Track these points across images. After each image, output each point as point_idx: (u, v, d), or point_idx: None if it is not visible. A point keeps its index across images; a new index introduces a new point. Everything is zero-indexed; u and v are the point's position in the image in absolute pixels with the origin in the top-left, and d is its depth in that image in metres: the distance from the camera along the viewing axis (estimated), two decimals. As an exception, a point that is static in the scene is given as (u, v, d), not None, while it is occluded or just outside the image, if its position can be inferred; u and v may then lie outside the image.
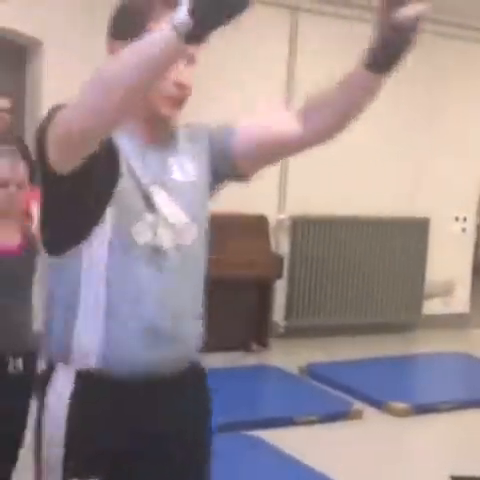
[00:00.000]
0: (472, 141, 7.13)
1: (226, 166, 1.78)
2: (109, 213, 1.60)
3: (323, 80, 1.85)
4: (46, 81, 5.37)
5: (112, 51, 1.62)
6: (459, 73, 6.96)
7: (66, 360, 1.65)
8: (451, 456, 4.27)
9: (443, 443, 4.47)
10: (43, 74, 5.39)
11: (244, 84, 6.07)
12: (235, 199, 5.97)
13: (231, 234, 5.87)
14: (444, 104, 6.93)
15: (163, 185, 1.67)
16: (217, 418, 4.48)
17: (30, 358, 2.67)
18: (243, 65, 6.07)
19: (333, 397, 4.89)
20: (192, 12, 1.30)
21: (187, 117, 1.80)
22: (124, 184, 1.61)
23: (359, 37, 6.62)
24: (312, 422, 4.45)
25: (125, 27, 1.60)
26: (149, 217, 1.65)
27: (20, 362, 2.68)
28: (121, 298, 1.64)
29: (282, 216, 6.31)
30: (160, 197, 1.66)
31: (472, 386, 5.55)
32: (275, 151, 1.80)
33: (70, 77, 5.38)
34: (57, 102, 1.62)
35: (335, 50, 6.45)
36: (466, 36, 6.84)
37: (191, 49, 1.47)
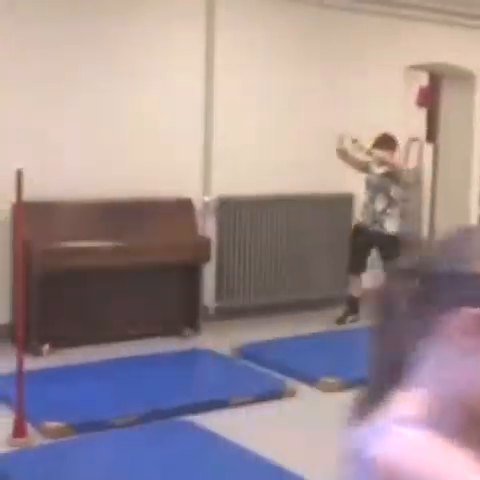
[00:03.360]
0: (389, 117, 7.23)
1: None
2: None
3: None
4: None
5: None
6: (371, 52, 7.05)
7: None
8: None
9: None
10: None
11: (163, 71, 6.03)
12: (159, 183, 5.98)
13: (157, 219, 5.82)
14: (359, 85, 7.01)
15: None
16: (152, 405, 4.48)
17: None
18: (160, 52, 6.01)
19: (266, 377, 4.92)
20: None
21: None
22: None
23: (277, 15, 6.63)
24: (247, 403, 4.47)
25: None
26: None
27: None
28: None
29: (207, 198, 6.28)
30: None
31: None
32: None
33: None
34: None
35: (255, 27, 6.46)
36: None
37: None
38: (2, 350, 5.08)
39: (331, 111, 6.85)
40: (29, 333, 4.83)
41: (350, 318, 6.45)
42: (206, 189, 6.28)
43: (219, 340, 5.75)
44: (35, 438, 3.87)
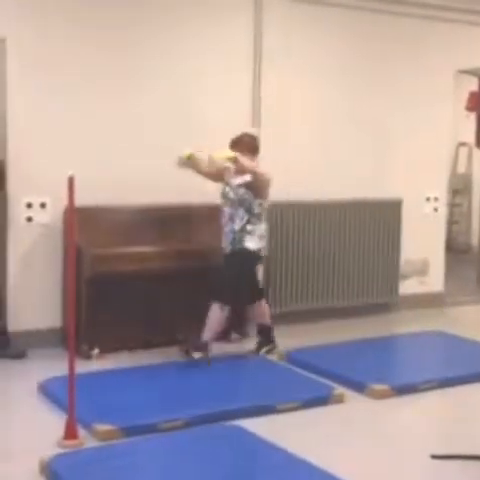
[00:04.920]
0: (439, 122, 7.18)
1: None
2: None
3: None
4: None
5: None
6: (427, 53, 7.00)
7: None
8: (432, 435, 4.31)
9: (424, 423, 4.51)
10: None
11: (210, 74, 6.07)
12: (206, 189, 6.01)
13: (204, 224, 5.86)
14: (408, 90, 6.97)
15: None
16: (199, 410, 4.52)
17: None
18: (208, 55, 6.06)
19: (314, 382, 4.91)
20: None
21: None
22: None
23: (323, 20, 6.64)
24: (294, 409, 4.47)
25: None
26: None
27: None
28: None
29: (256, 203, 6.29)
30: None
31: (451, 364, 5.59)
32: None
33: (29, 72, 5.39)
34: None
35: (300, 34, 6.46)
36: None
37: None
38: (54, 354, 5.17)
39: (380, 115, 6.83)
40: (79, 337, 4.90)
41: (265, 349, 5.57)
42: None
43: (266, 345, 5.76)
44: (86, 440, 3.92)
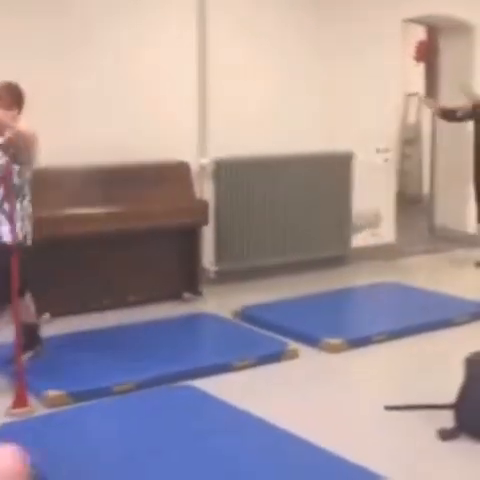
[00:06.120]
0: (387, 73, 7.12)
1: None
2: None
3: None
4: None
5: None
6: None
7: None
8: (386, 387, 4.33)
9: (378, 374, 4.52)
10: None
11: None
12: (154, 147, 5.90)
13: (153, 183, 5.76)
14: (355, 41, 6.88)
15: None
16: (151, 372, 4.45)
17: None
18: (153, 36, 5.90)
19: (268, 339, 4.89)
20: None
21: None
22: None
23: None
24: (248, 367, 4.44)
25: None
26: None
27: None
28: None
29: (204, 161, 6.20)
30: None
31: (404, 314, 5.62)
32: None
33: None
34: None
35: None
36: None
37: None
38: (2, 320, 5.05)
39: (328, 68, 6.75)
40: (27, 302, 4.79)
41: (30, 353, 4.32)
42: (202, 152, 6.20)
43: (220, 303, 5.73)
44: (36, 408, 3.85)
